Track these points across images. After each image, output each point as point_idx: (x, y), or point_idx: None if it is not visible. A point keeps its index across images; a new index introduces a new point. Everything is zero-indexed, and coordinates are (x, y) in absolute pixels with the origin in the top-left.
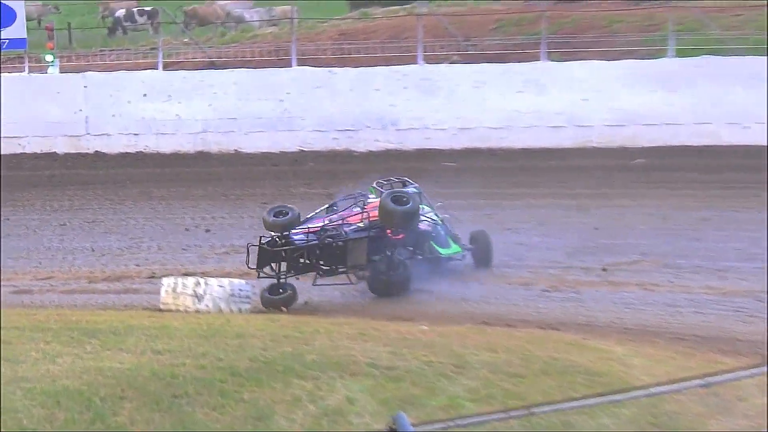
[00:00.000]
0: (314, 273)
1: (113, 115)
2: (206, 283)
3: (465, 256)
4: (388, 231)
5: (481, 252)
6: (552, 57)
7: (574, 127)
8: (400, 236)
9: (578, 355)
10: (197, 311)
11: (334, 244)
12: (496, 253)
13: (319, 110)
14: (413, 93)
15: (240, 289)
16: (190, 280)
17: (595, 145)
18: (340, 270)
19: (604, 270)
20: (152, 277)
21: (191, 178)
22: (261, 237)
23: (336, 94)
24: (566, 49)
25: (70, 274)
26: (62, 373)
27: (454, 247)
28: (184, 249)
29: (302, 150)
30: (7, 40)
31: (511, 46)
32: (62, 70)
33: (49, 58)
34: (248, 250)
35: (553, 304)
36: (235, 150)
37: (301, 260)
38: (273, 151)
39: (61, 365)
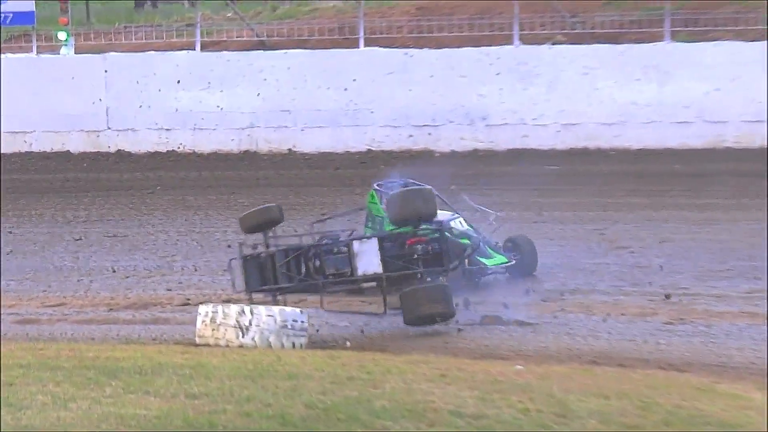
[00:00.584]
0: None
1: (140, 106)
2: (252, 312)
3: (510, 267)
4: (410, 240)
5: (526, 260)
6: (677, 37)
7: (703, 123)
8: (423, 239)
9: (708, 403)
10: (241, 346)
11: (335, 249)
12: (608, 276)
13: (392, 101)
14: (507, 80)
15: (294, 320)
16: (233, 309)
17: (729, 145)
18: (349, 281)
19: (741, 298)
20: (186, 304)
21: (235, 183)
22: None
23: (413, 81)
24: (695, 28)
25: (86, 300)
26: (76, 421)
27: (499, 257)
28: (225, 270)
29: (371, 149)
30: (11, 14)
31: (627, 24)
32: (78, 51)
33: (62, 35)
34: (230, 266)
35: (678, 339)
36: (289, 149)
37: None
38: (335, 150)
39: (74, 412)
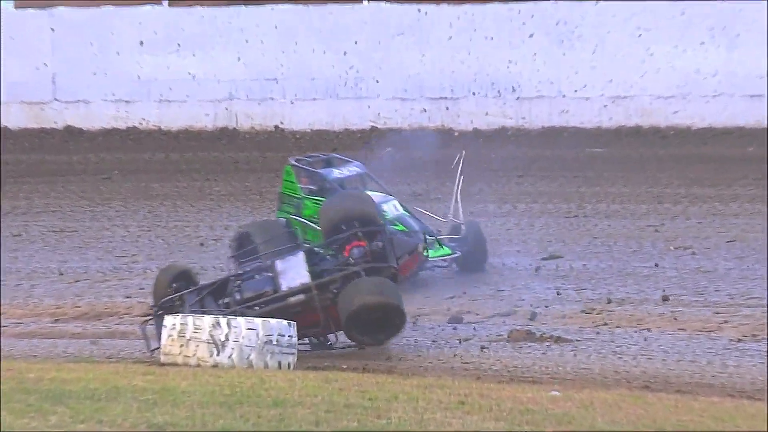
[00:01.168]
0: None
1: (94, 73)
2: (230, 325)
3: (454, 260)
4: (348, 246)
5: (473, 252)
6: None
7: None
8: (362, 243)
9: None
10: (216, 366)
11: (257, 275)
12: (664, 282)
13: (402, 68)
14: (542, 43)
15: (280, 334)
16: (206, 320)
17: None
18: (271, 300)
19: None
20: (149, 315)
21: (210, 167)
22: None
23: (427, 44)
24: None
25: (27, 309)
26: None
27: (442, 249)
28: (197, 272)
29: (375, 127)
30: None
31: None
32: (18, 6)
33: None
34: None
35: (749, 361)
36: (276, 126)
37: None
38: (332, 128)
39: None
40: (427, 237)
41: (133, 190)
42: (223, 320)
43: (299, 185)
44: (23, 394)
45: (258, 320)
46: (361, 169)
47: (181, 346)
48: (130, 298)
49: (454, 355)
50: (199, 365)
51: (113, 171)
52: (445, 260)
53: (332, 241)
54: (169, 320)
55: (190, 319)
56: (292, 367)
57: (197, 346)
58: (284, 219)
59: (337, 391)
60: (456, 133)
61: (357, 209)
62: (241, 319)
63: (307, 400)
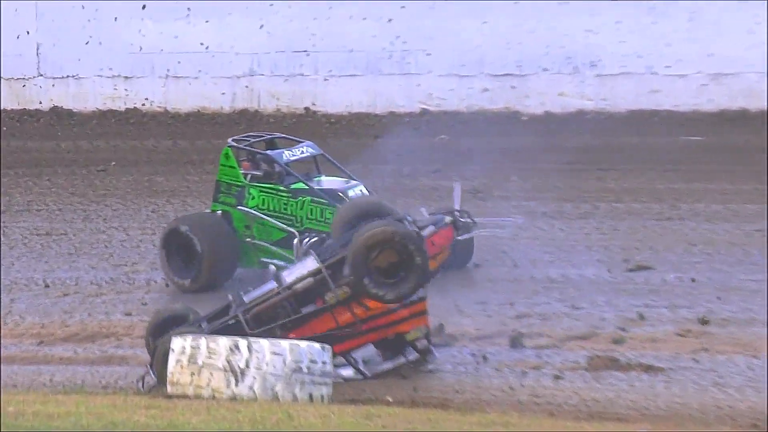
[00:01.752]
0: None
1: (86, 43)
2: (251, 349)
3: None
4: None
5: (458, 248)
6: None
7: None
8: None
9: None
10: (234, 398)
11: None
12: None
13: (458, 40)
14: (628, 9)
15: (312, 360)
16: (222, 343)
17: None
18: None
19: None
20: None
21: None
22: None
23: (489, 9)
24: None
25: (5, 329)
26: None
27: None
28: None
29: (426, 109)
30: None
31: None
32: None
33: None
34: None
35: None
36: (306, 108)
37: None
38: (373, 110)
39: None
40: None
41: (134, 184)
42: (242, 343)
43: (241, 170)
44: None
45: (285, 343)
46: (314, 149)
47: (192, 374)
48: (131, 315)
49: (522, 387)
50: (213, 397)
51: (110, 162)
52: None
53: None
54: (177, 343)
55: (202, 341)
56: (326, 399)
57: (211, 374)
58: (221, 212)
59: (381, 429)
60: (524, 118)
61: (374, 203)
62: (264, 342)
63: None
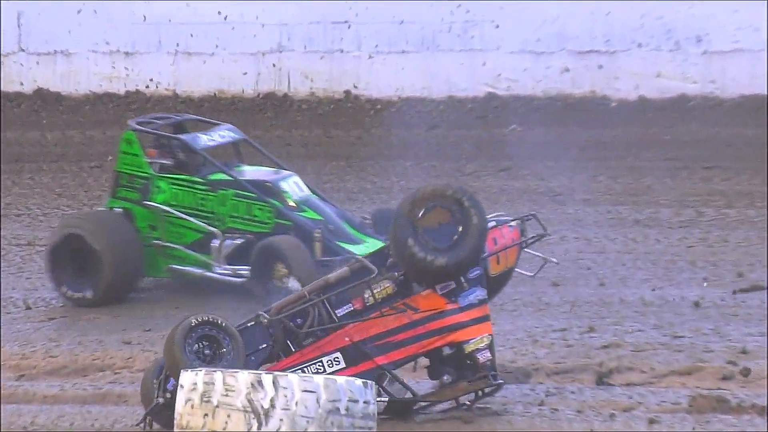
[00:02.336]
0: None
1: (78, 11)
2: (277, 384)
3: None
4: None
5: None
6: None
7: None
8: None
9: None
10: None
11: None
12: None
13: (533, 10)
14: None
15: (352, 399)
16: (242, 378)
17: None
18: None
19: None
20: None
21: (248, 148)
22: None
23: None
24: None
25: None
26: None
27: (373, 242)
28: (223, 298)
29: (494, 93)
30: None
31: None
32: None
33: None
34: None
35: None
36: (348, 91)
37: None
38: (429, 94)
39: None
40: (352, 227)
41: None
42: (266, 378)
43: (146, 159)
44: None
45: (319, 379)
46: (235, 133)
47: (205, 415)
48: (130, 344)
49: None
50: None
51: (106, 156)
52: None
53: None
54: (187, 378)
55: (218, 375)
56: None
57: (229, 415)
58: (122, 209)
59: None
60: (613, 104)
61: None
62: (293, 377)
63: None
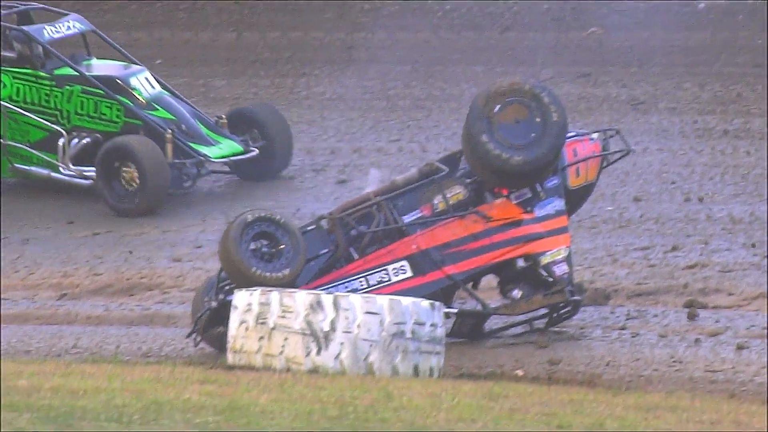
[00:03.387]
0: None
1: None
2: (338, 306)
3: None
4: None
5: (274, 148)
6: None
7: None
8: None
9: None
10: (315, 370)
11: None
12: None
13: None
14: None
15: (418, 321)
16: (300, 298)
17: None
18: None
19: None
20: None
21: (308, 55)
22: None
23: None
24: None
25: (16, 279)
26: None
27: (228, 144)
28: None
29: None
30: None
31: None
32: None
33: None
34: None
35: None
36: None
37: None
38: None
39: None
40: (207, 128)
41: (186, 89)
42: (327, 299)
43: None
44: (9, 412)
45: (383, 300)
46: (83, 24)
47: (261, 338)
48: (180, 261)
49: (695, 359)
50: (288, 369)
51: (154, 59)
52: (231, 162)
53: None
54: (241, 298)
55: (275, 295)
56: (437, 373)
57: (286, 339)
58: None
59: (508, 414)
60: (701, 5)
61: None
62: (355, 298)
63: (460, 428)
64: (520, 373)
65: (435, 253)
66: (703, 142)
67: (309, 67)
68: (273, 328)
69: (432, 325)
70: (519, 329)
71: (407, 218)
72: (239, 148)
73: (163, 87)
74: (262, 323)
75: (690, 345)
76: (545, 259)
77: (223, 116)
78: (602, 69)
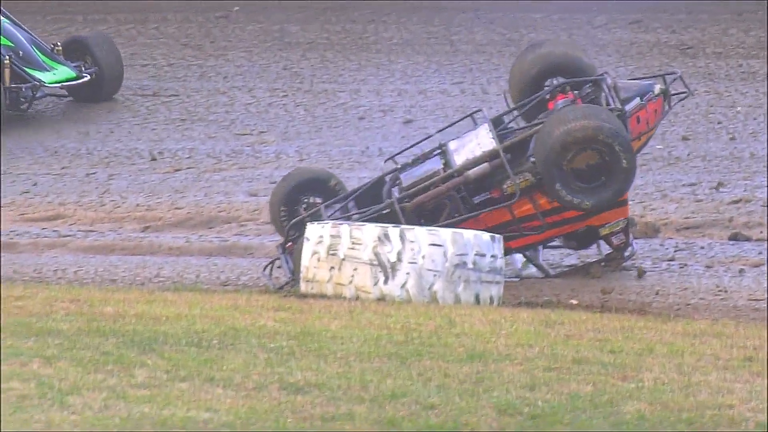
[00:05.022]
0: None
1: None
2: (404, 238)
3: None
4: None
5: (105, 74)
6: None
7: None
8: (570, 95)
9: None
10: (383, 298)
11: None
12: None
13: None
14: None
15: (479, 253)
16: (368, 231)
17: None
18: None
19: None
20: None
21: (377, 3)
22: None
23: None
24: None
25: (102, 212)
26: (80, 428)
27: (62, 70)
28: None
29: None
30: None
31: None
32: None
33: None
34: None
35: None
36: None
37: None
38: None
39: (78, 412)
40: (43, 54)
41: (262, 35)
42: (393, 231)
43: None
44: (97, 336)
45: (446, 232)
46: None
47: (332, 268)
48: (256, 196)
49: (739, 289)
50: (357, 298)
51: (232, 6)
52: (67, 87)
53: (527, 102)
54: (314, 230)
55: (345, 228)
56: (496, 302)
57: (355, 269)
58: None
59: (563, 340)
60: None
61: (559, 53)
62: (420, 231)
63: (518, 353)
64: (574, 301)
65: (500, 230)
66: (747, 85)
67: (377, 14)
68: (343, 259)
69: (492, 256)
70: (574, 260)
71: (478, 198)
72: (73, 73)
73: (4, 15)
74: (333, 254)
75: (734, 275)
76: (604, 231)
77: (59, 43)
78: (653, 15)
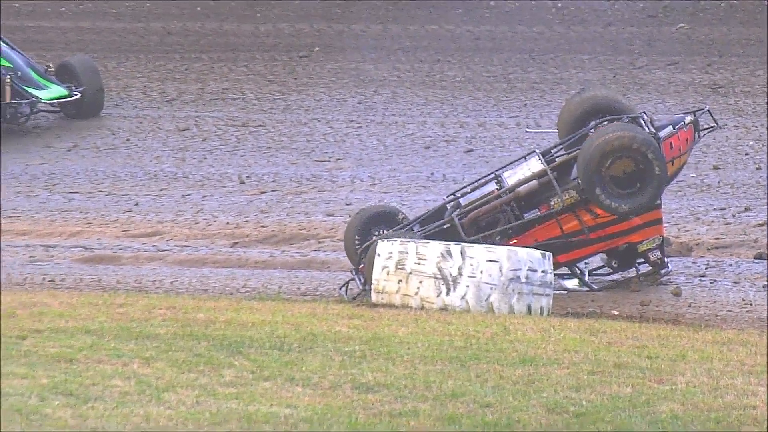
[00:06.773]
0: None
1: None
2: (464, 254)
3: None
4: None
5: (89, 95)
6: None
7: None
8: None
9: None
10: (445, 308)
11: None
12: None
13: None
14: None
15: (532, 268)
16: (433, 248)
17: None
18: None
19: None
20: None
21: (443, 44)
22: None
23: None
24: None
25: (196, 228)
26: (174, 423)
27: (56, 89)
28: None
29: None
30: None
31: None
32: None
33: None
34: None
35: None
36: None
37: None
38: None
39: (173, 407)
40: (37, 74)
41: (339, 72)
42: (455, 248)
43: None
44: (190, 340)
45: (502, 250)
46: None
47: (400, 281)
48: (333, 216)
49: (763, 302)
50: (422, 307)
51: (313, 47)
52: (58, 103)
53: (572, 137)
54: (384, 247)
55: (411, 245)
56: (546, 312)
57: (420, 282)
58: None
59: (605, 347)
60: None
61: (601, 96)
62: (479, 248)
63: (565, 358)
64: (616, 312)
65: (549, 244)
66: None
67: (442, 54)
68: (410, 273)
69: (543, 271)
70: (616, 276)
71: (528, 214)
72: (65, 92)
73: (2, 40)
74: (401, 268)
75: (759, 290)
76: (642, 247)
77: (51, 65)
78: (688, 58)
